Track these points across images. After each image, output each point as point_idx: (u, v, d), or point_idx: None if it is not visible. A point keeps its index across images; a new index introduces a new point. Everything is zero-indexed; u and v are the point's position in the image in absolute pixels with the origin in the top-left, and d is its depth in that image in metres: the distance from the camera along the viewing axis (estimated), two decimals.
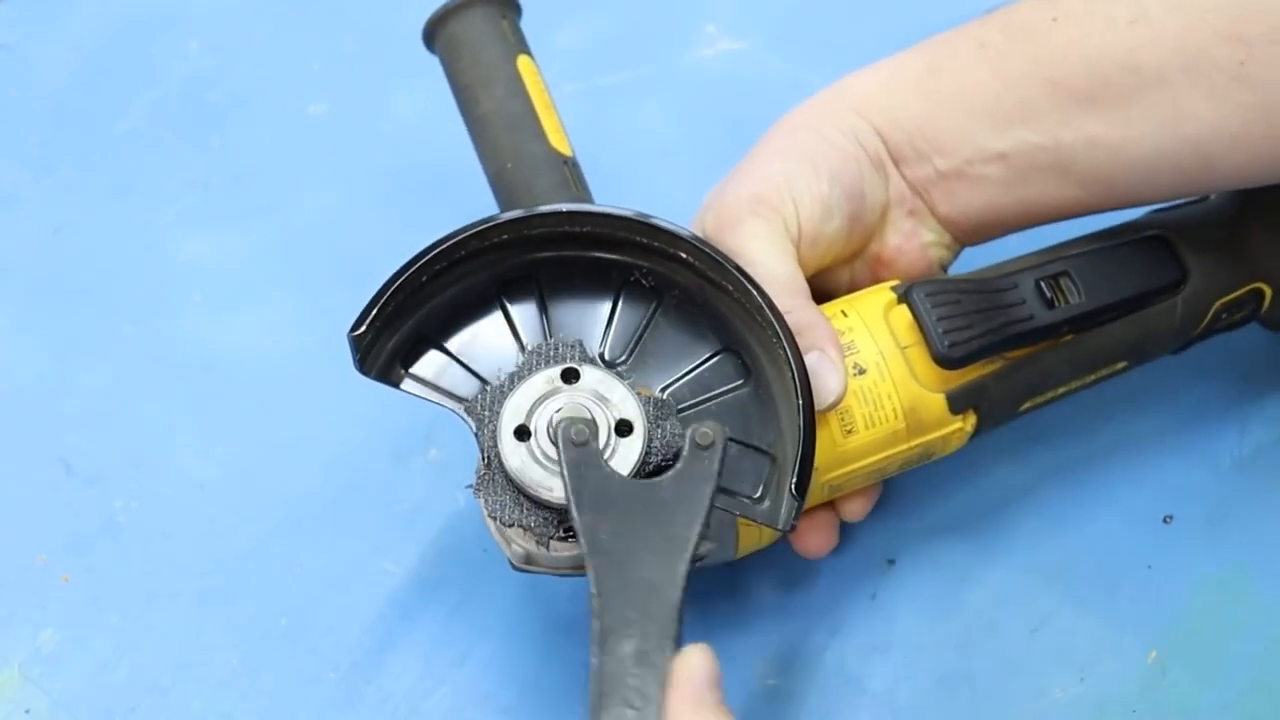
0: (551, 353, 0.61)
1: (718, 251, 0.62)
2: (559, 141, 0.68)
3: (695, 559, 0.56)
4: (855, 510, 0.68)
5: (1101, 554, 0.72)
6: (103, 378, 0.78)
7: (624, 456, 0.59)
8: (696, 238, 0.62)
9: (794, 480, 0.58)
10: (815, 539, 0.68)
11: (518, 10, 0.72)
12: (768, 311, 0.60)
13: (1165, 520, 0.73)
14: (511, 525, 0.60)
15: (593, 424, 0.59)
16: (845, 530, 0.71)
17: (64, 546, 0.72)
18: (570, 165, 0.68)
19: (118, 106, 0.87)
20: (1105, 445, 0.75)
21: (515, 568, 0.62)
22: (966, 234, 0.69)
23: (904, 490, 0.73)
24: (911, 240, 0.69)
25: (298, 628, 0.70)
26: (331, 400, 0.76)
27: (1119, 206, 0.67)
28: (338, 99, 0.88)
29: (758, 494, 0.60)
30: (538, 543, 0.60)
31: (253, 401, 0.77)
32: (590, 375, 0.60)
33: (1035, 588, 0.71)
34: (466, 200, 0.80)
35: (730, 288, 0.62)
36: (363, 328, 0.60)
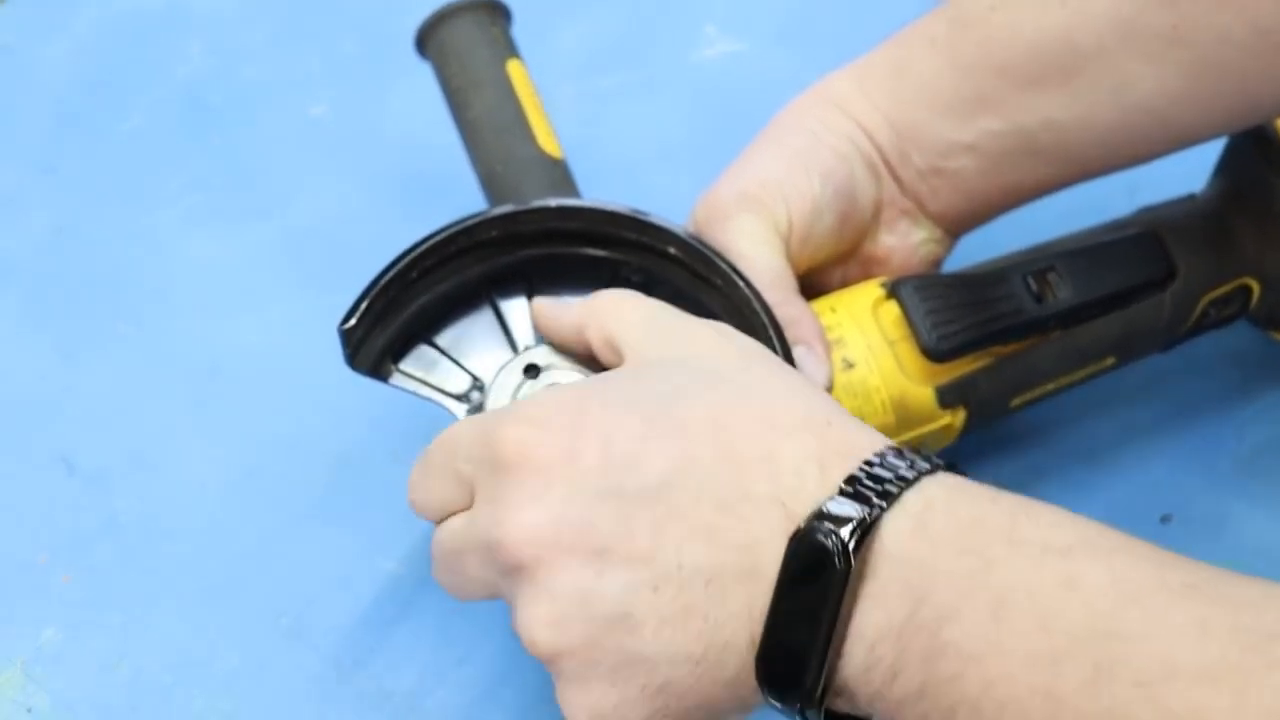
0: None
1: (706, 245, 0.62)
2: (549, 144, 0.68)
3: None
4: None
5: None
6: (104, 377, 0.78)
7: None
8: (685, 232, 0.63)
9: None
10: None
11: (508, 16, 0.72)
12: (755, 303, 0.61)
13: (1164, 520, 0.73)
14: None
15: None
16: None
17: (65, 546, 0.72)
18: (560, 167, 0.68)
19: (119, 107, 0.87)
20: (1103, 445, 0.75)
21: None
22: (957, 225, 0.70)
23: None
24: (905, 240, 0.69)
25: (298, 627, 0.70)
26: (332, 400, 0.76)
27: (1094, 176, 0.68)
28: (338, 100, 0.88)
29: None
30: None
31: (253, 401, 0.77)
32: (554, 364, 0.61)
33: None
34: (467, 201, 0.80)
35: (718, 282, 0.62)
36: (353, 321, 0.60)
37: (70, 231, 0.83)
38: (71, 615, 0.70)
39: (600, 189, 0.80)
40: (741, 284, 0.61)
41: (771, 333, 0.60)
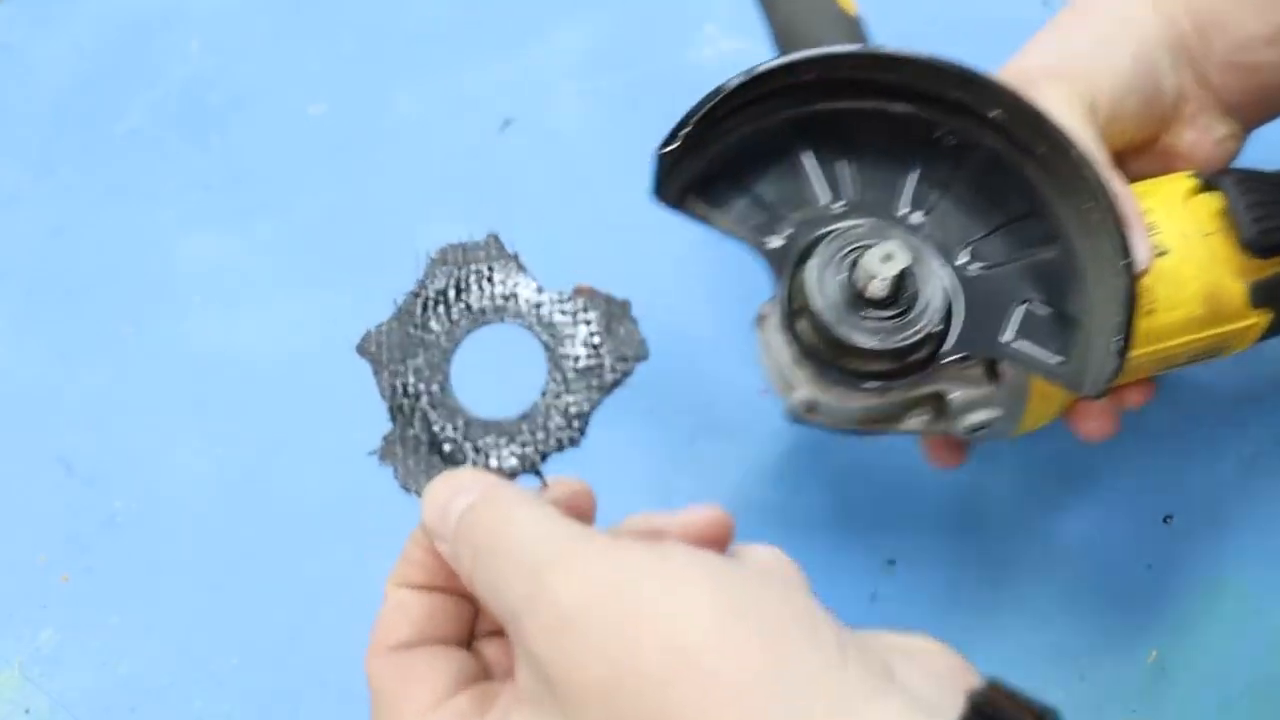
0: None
1: (1038, 107, 0.59)
2: (846, 1, 0.67)
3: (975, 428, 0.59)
4: (1134, 399, 0.67)
5: (1101, 554, 0.72)
6: (103, 378, 0.78)
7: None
8: (1016, 91, 0.60)
9: (1119, 339, 0.56)
10: (1097, 422, 0.66)
11: None
12: (1085, 172, 0.58)
13: (1165, 520, 0.73)
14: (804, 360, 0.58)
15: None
16: (845, 530, 0.71)
17: (64, 546, 0.72)
18: (858, 25, 0.66)
19: (118, 107, 0.87)
20: (1105, 445, 0.74)
21: (793, 418, 0.60)
22: (1253, 120, 0.69)
23: (904, 490, 0.73)
24: (1206, 134, 0.68)
25: (298, 627, 0.70)
26: (332, 400, 0.76)
27: None
28: (338, 99, 0.88)
29: (1062, 360, 0.58)
30: (825, 391, 0.58)
31: (253, 401, 0.77)
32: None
33: (1035, 588, 0.71)
34: (468, 200, 0.80)
35: (1042, 150, 0.60)
36: (676, 144, 0.58)
37: (69, 232, 0.83)
38: (70, 615, 0.70)
39: (599, 187, 0.79)
40: (1073, 152, 0.58)
41: (1105, 205, 0.57)
